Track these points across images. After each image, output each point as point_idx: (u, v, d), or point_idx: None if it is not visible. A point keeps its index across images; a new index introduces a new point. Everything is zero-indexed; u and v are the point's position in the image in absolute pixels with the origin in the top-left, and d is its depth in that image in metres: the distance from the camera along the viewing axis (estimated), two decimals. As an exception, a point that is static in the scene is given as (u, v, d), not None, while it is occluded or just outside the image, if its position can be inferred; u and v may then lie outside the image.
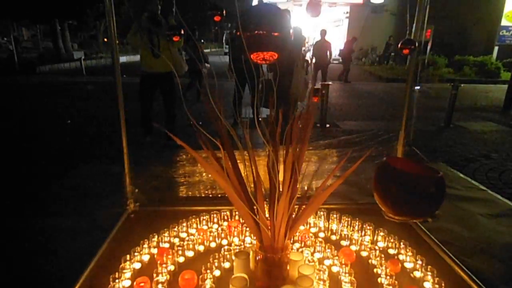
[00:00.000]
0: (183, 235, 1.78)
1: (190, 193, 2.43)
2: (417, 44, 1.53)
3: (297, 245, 1.68)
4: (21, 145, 4.38)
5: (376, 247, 1.65)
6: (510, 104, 7.67)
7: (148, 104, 4.39)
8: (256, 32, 1.02)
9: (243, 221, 1.71)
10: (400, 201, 1.02)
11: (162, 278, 1.38)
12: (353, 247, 1.71)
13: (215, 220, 1.89)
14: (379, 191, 1.05)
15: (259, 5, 1.04)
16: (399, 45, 1.51)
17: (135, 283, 1.38)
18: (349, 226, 1.83)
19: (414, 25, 1.82)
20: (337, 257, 1.55)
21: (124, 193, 2.01)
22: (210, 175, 2.56)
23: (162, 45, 4.12)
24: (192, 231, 1.82)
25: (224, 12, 1.18)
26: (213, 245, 1.72)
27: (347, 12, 19.31)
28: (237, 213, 1.86)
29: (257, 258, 1.39)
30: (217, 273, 1.47)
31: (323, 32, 9.47)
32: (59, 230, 1.95)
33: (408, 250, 1.62)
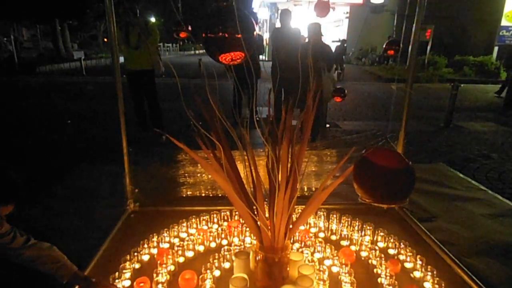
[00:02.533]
0: (183, 235, 1.78)
1: (190, 193, 2.43)
2: (401, 45, 1.53)
3: (297, 245, 1.68)
4: (21, 145, 4.38)
5: (376, 247, 1.65)
6: (510, 104, 7.67)
7: (138, 101, 4.50)
8: (220, 34, 1.04)
9: (243, 221, 1.71)
10: (375, 189, 1.11)
11: (162, 278, 1.38)
12: (353, 247, 1.71)
13: (215, 220, 1.89)
14: (357, 180, 1.14)
15: (224, 7, 1.05)
16: (384, 46, 1.51)
17: (135, 283, 1.38)
18: (349, 226, 1.83)
19: (414, 25, 1.82)
20: (337, 257, 1.55)
21: (124, 193, 2.01)
22: (210, 176, 2.57)
23: (141, 41, 4.20)
24: (192, 231, 1.82)
25: (190, 27, 1.21)
26: (213, 245, 1.72)
27: (347, 12, 19.29)
28: (237, 213, 1.86)
29: (257, 258, 1.39)
30: (217, 273, 1.47)
31: None
32: (59, 230, 1.95)
33: (408, 250, 1.61)
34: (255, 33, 1.12)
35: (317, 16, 1.19)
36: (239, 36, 1.03)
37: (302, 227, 1.79)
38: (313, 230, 1.86)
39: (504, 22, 13.61)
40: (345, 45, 12.42)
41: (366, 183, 1.18)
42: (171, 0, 1.16)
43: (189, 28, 1.30)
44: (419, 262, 1.52)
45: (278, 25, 5.24)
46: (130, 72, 4.34)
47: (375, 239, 1.76)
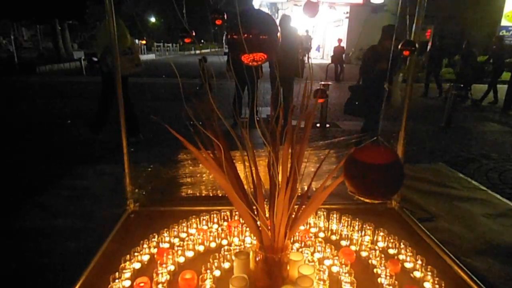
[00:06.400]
0: (183, 235, 1.78)
1: (190, 192, 2.43)
2: (417, 46, 1.53)
3: (297, 245, 1.68)
4: (21, 145, 4.38)
5: (376, 247, 1.65)
6: (510, 104, 7.68)
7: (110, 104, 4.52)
8: (245, 35, 1.06)
9: (243, 221, 1.71)
10: (363, 186, 1.15)
11: (162, 278, 1.38)
12: (353, 247, 1.71)
13: (215, 220, 1.89)
14: (347, 177, 1.18)
15: (249, 9, 1.07)
16: (399, 47, 1.51)
17: (135, 283, 1.38)
18: (349, 226, 1.83)
19: (414, 25, 1.82)
20: (337, 257, 1.55)
21: (124, 193, 2.01)
22: (210, 176, 2.57)
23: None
24: (192, 231, 1.82)
25: (225, 15, 1.23)
26: (213, 245, 1.72)
27: (347, 12, 19.31)
28: (237, 213, 1.86)
29: (257, 258, 1.39)
30: (217, 273, 1.47)
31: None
32: (59, 230, 1.95)
33: (408, 250, 1.61)
34: (278, 34, 1.14)
35: (307, 16, 1.19)
36: (263, 37, 1.04)
37: (302, 227, 1.79)
38: (313, 230, 1.86)
39: (504, 22, 13.65)
40: (340, 44, 12.51)
41: (354, 181, 1.21)
42: (175, 5, 1.16)
43: (193, 33, 1.32)
44: (419, 262, 1.52)
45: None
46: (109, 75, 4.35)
47: (375, 239, 1.76)
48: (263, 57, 1.10)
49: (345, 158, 1.26)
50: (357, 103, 4.63)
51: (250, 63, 1.12)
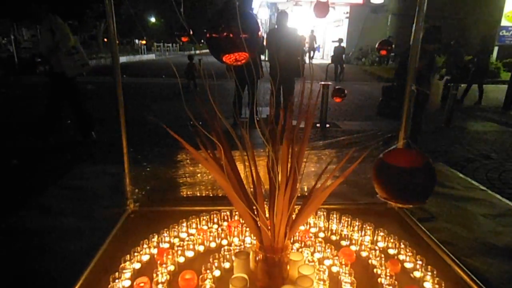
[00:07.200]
0: (183, 235, 1.78)
1: (190, 193, 2.43)
2: (393, 46, 1.53)
3: (297, 245, 1.68)
4: (21, 145, 4.39)
5: (376, 247, 1.65)
6: (510, 104, 7.68)
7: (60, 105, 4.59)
8: (225, 34, 1.03)
9: (243, 221, 1.71)
10: (395, 191, 1.13)
11: (162, 278, 1.38)
12: (353, 247, 1.71)
13: (215, 220, 1.89)
14: (377, 182, 1.16)
15: (228, 7, 1.05)
16: (376, 46, 1.52)
17: (135, 283, 1.38)
18: (349, 226, 1.83)
19: (414, 25, 1.82)
20: (337, 257, 1.55)
21: (124, 193, 2.01)
22: (210, 176, 2.56)
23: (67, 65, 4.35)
24: (192, 231, 1.82)
25: (191, 32, 1.23)
26: (213, 245, 1.72)
27: (347, 12, 19.33)
28: (237, 213, 1.86)
29: (257, 258, 1.39)
30: (217, 273, 1.47)
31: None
32: (59, 230, 1.95)
33: (408, 250, 1.61)
34: (259, 33, 1.12)
35: (317, 17, 1.19)
36: (244, 36, 1.02)
37: (302, 227, 1.79)
38: (313, 230, 1.86)
39: (504, 22, 13.65)
40: (341, 44, 12.51)
41: (386, 186, 1.18)
42: (174, 4, 1.16)
43: (191, 32, 1.31)
44: (419, 262, 1.52)
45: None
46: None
47: (375, 239, 1.76)
48: (244, 56, 1.08)
49: (375, 163, 1.24)
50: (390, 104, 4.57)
51: (234, 63, 1.11)
